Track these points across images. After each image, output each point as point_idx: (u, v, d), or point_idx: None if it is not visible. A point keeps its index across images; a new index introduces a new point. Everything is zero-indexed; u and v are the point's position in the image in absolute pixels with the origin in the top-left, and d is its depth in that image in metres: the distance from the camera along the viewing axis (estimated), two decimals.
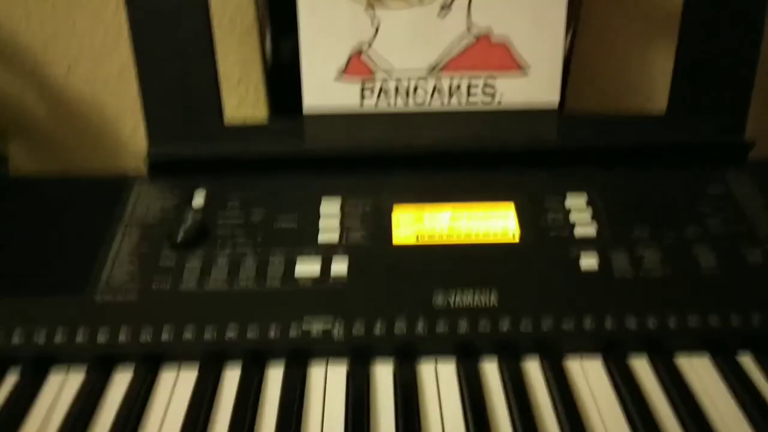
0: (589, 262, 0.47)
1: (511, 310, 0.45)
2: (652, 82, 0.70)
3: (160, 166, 0.55)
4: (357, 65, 0.55)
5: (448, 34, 0.55)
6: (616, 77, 0.70)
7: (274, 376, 0.44)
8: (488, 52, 0.55)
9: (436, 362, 0.44)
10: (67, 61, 0.69)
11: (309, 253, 0.49)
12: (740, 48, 0.55)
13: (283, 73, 0.61)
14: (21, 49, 0.68)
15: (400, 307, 0.45)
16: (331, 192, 0.53)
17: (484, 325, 0.44)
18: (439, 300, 0.45)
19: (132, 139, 0.73)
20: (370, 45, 0.55)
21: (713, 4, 0.54)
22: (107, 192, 0.54)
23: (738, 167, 0.54)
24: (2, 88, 0.69)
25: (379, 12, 0.54)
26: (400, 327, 0.44)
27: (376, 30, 0.55)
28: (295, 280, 0.47)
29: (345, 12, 0.54)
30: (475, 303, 0.45)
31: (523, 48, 0.55)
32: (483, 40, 0.55)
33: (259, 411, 0.42)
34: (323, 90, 0.56)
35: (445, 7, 0.54)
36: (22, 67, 0.69)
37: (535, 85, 0.56)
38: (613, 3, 0.66)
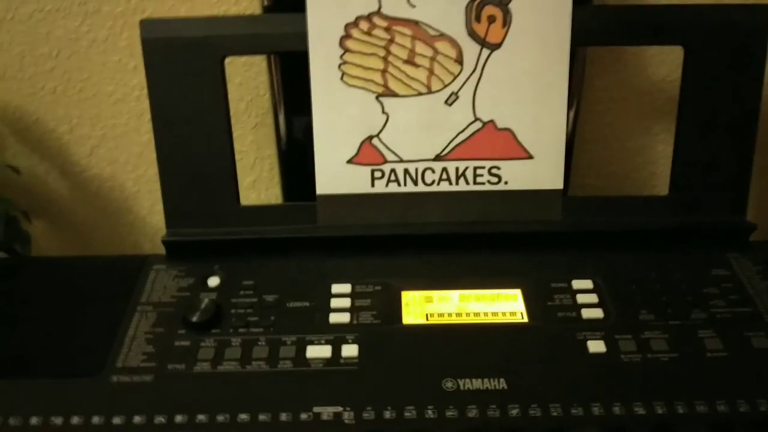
0: (596, 345, 0.48)
1: (520, 395, 0.45)
2: (654, 164, 0.72)
3: (177, 248, 0.57)
4: (368, 152, 0.58)
5: (454, 121, 0.58)
6: (618, 160, 0.72)
7: None
8: (493, 139, 0.58)
9: None
10: (91, 143, 0.72)
11: (320, 335, 0.50)
12: (738, 131, 0.57)
13: (297, 159, 0.63)
14: (47, 133, 0.71)
15: (410, 392, 0.46)
16: (342, 273, 0.55)
17: (493, 411, 0.44)
18: (449, 384, 0.46)
19: (149, 216, 0.76)
20: (380, 133, 0.58)
21: (711, 89, 0.56)
22: (126, 273, 0.56)
23: (741, 249, 0.56)
24: (28, 169, 0.72)
25: (389, 101, 0.57)
26: (410, 412, 0.44)
27: (386, 118, 0.57)
28: (307, 363, 0.48)
29: (356, 101, 0.57)
30: (484, 387, 0.46)
31: (526, 135, 0.58)
32: (488, 126, 0.58)
33: None
34: (335, 175, 0.58)
35: (452, 96, 0.57)
36: (48, 150, 0.72)
37: (539, 171, 0.58)
38: (612, 89, 0.69)
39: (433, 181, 0.59)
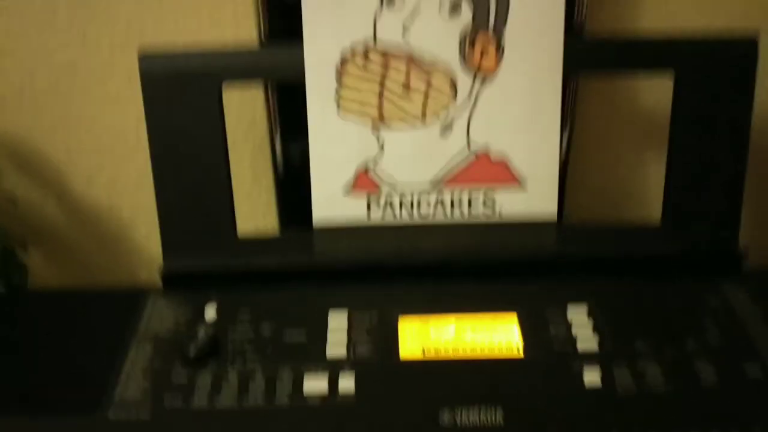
0: (592, 377, 0.48)
1: (517, 427, 0.45)
2: (647, 191, 0.73)
3: (174, 280, 0.58)
4: (364, 181, 0.58)
5: (449, 151, 0.58)
6: (611, 186, 0.73)
7: None
8: (487, 168, 0.58)
9: None
10: (88, 172, 0.72)
11: (317, 369, 0.50)
12: (728, 160, 0.58)
13: (293, 186, 0.64)
14: (44, 162, 0.72)
15: (407, 424, 0.46)
16: (338, 304, 0.55)
17: None
18: (445, 418, 0.46)
19: (146, 244, 0.76)
20: (376, 162, 0.58)
21: (700, 119, 0.57)
22: (123, 305, 0.56)
23: (733, 278, 0.56)
24: (24, 198, 0.72)
25: (384, 132, 0.58)
26: None
27: (382, 148, 0.58)
28: (304, 398, 0.48)
29: (352, 131, 0.58)
30: (481, 421, 0.46)
31: (520, 163, 0.58)
32: (482, 156, 0.58)
33: None
34: (332, 204, 0.59)
35: (446, 127, 0.58)
36: (45, 178, 0.72)
37: (533, 198, 0.58)
38: (606, 117, 0.70)
39: (429, 211, 0.59)
